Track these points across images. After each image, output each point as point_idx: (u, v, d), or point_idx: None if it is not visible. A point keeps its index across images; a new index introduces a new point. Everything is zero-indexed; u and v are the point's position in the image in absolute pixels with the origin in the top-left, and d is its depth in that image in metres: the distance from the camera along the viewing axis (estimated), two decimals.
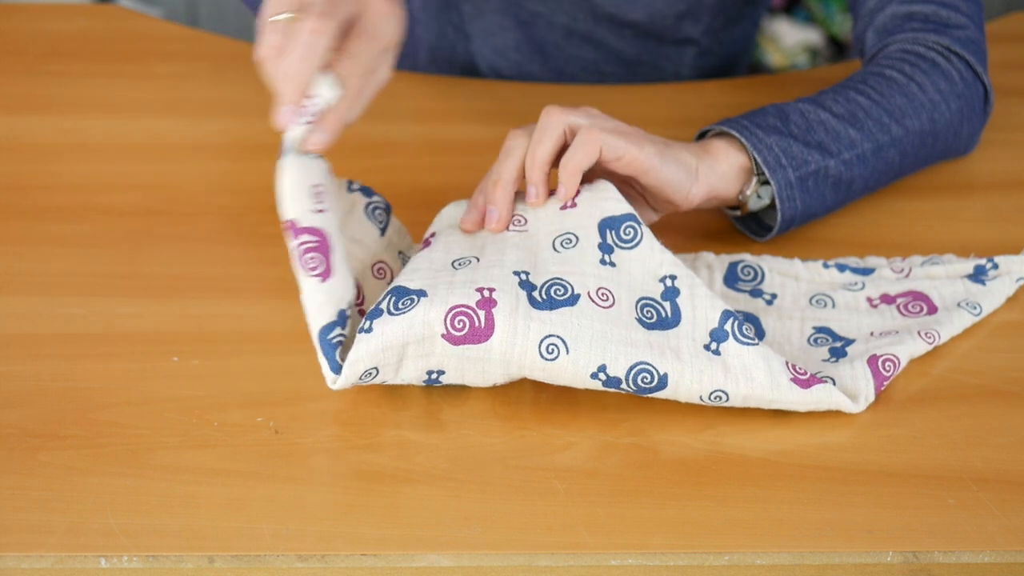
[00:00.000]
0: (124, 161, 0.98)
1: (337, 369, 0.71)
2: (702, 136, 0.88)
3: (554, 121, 0.78)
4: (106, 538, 0.65)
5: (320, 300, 0.71)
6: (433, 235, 0.79)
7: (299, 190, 0.72)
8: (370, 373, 0.72)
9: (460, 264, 0.74)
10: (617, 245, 0.75)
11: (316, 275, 0.71)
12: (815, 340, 0.79)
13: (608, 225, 0.75)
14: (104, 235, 0.89)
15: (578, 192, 0.77)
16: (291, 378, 0.76)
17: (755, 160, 0.84)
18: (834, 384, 0.74)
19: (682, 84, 1.13)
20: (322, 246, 0.72)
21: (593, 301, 0.72)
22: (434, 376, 0.73)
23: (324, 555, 0.65)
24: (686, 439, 0.73)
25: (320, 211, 0.72)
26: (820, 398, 0.73)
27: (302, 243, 0.72)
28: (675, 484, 0.70)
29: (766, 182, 0.85)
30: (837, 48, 2.23)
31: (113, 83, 1.07)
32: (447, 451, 0.71)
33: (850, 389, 0.74)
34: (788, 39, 2.21)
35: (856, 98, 0.89)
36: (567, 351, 0.70)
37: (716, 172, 0.83)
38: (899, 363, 0.76)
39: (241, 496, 0.68)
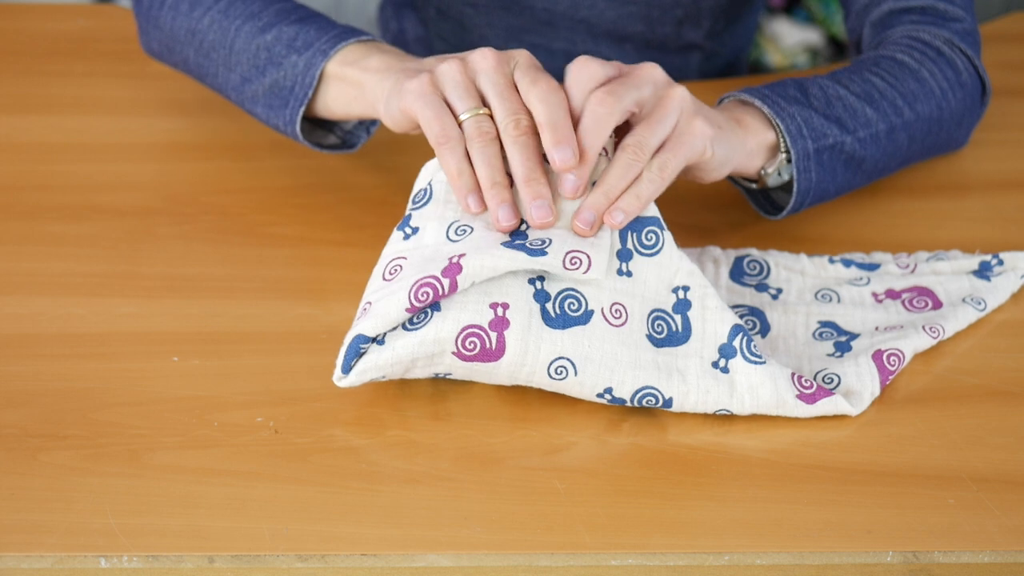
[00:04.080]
0: (124, 161, 0.98)
1: (348, 370, 0.72)
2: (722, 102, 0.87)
3: (653, 76, 0.75)
4: (106, 538, 0.65)
5: (384, 316, 0.70)
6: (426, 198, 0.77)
7: (513, 265, 0.71)
8: (377, 378, 0.72)
9: (461, 231, 0.74)
10: (637, 251, 0.74)
11: (411, 303, 0.70)
12: (820, 334, 0.80)
13: (630, 227, 0.74)
14: (104, 235, 0.89)
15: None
16: (291, 378, 0.76)
17: (782, 136, 0.83)
18: (839, 382, 0.75)
19: (684, 84, 1.13)
20: (440, 296, 0.70)
21: (606, 319, 0.72)
22: (441, 375, 0.73)
23: (324, 555, 0.65)
24: (686, 439, 0.73)
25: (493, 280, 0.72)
26: (826, 410, 0.73)
27: (434, 278, 0.70)
28: (675, 484, 0.70)
29: (790, 160, 0.84)
30: (837, 48, 2.22)
31: (113, 83, 1.07)
32: (448, 451, 0.71)
33: (855, 387, 0.75)
34: (788, 39, 2.21)
35: (871, 79, 0.89)
36: (575, 373, 0.71)
37: (745, 149, 0.82)
38: (903, 357, 0.76)
39: (241, 496, 0.68)
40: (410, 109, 0.75)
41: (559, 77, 1.15)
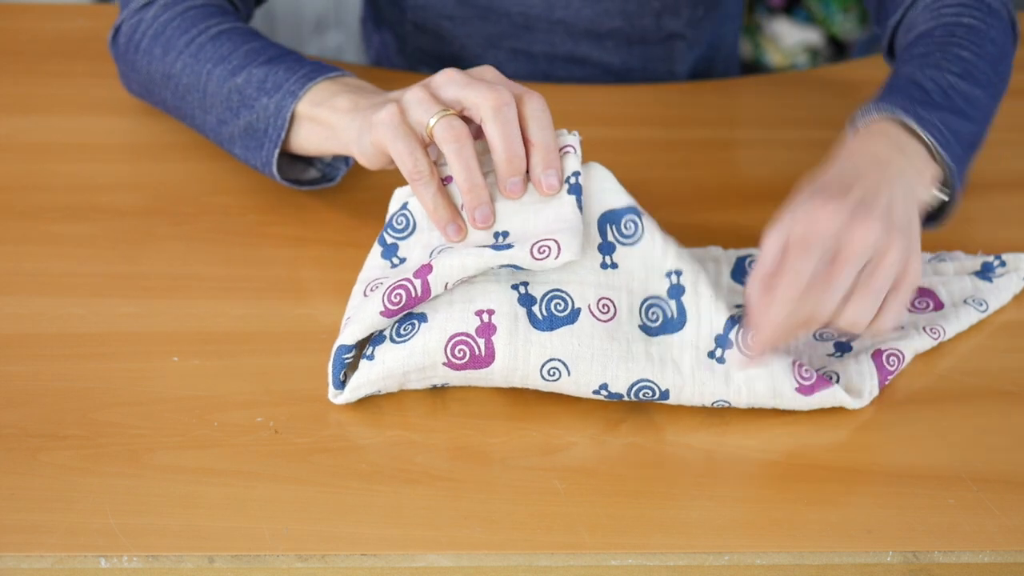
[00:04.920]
0: (124, 161, 0.98)
1: (339, 385, 0.73)
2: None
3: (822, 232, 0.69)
4: (106, 538, 0.65)
5: (361, 322, 0.71)
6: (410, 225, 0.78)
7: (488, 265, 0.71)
8: (372, 393, 0.73)
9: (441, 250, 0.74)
10: (618, 242, 0.74)
11: (385, 306, 0.71)
12: (821, 334, 0.79)
13: (608, 220, 0.75)
14: (104, 235, 0.89)
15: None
16: (291, 378, 0.76)
17: (944, 160, 0.79)
18: (838, 381, 0.74)
19: (677, 84, 1.13)
20: (414, 301, 0.71)
21: (593, 315, 0.72)
22: (438, 386, 0.74)
23: (324, 555, 0.65)
24: (686, 439, 0.73)
25: (468, 281, 0.72)
26: (823, 401, 0.73)
27: (405, 280, 0.71)
28: (675, 484, 0.70)
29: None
30: (837, 48, 2.23)
31: (113, 83, 1.06)
32: (447, 451, 0.71)
33: (855, 385, 0.75)
34: (788, 39, 2.21)
35: (961, 53, 0.86)
36: (568, 373, 0.71)
37: (919, 198, 0.76)
38: (903, 358, 0.76)
39: (241, 496, 0.68)
40: (381, 141, 0.76)
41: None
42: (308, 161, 0.92)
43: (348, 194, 0.93)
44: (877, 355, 0.76)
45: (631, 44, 1.13)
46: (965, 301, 0.82)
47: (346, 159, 0.90)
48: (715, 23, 1.19)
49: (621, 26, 1.11)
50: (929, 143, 0.79)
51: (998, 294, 0.83)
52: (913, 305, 0.82)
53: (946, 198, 0.81)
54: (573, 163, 0.74)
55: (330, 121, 0.82)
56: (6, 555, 0.65)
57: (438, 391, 0.75)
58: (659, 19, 1.12)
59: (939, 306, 0.82)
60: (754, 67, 2.20)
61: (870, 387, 0.75)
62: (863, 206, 0.70)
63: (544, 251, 0.71)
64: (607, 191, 0.75)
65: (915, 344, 0.78)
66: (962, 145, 0.81)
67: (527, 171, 0.74)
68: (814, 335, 0.80)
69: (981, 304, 0.82)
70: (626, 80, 1.16)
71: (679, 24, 1.14)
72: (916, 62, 0.86)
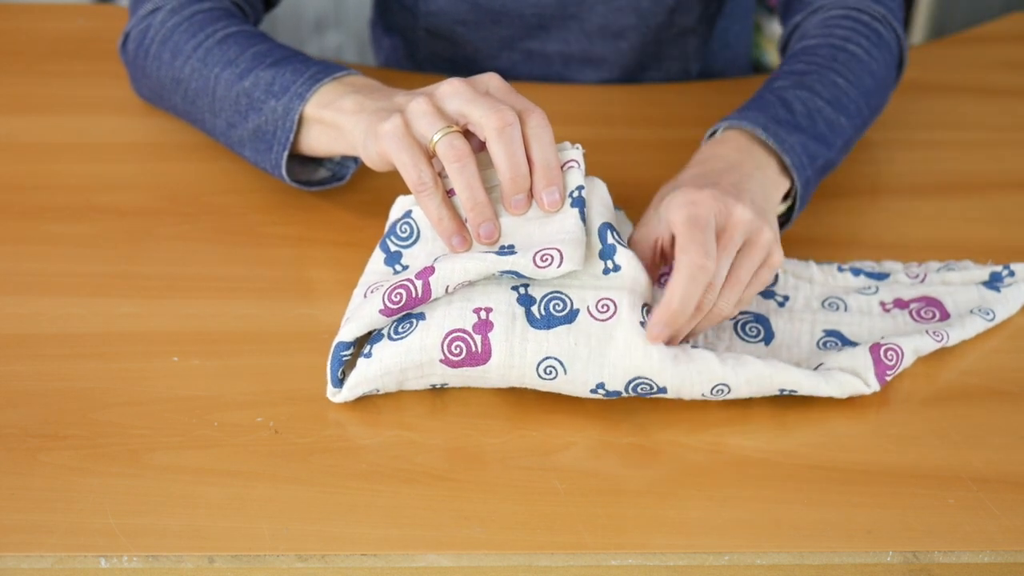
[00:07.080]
0: (124, 161, 0.98)
1: (338, 383, 0.73)
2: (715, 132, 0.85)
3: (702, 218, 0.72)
4: (106, 538, 0.65)
5: (360, 320, 0.71)
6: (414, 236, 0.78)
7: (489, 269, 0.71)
8: (371, 392, 0.73)
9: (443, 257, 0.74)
10: (619, 243, 0.74)
11: (385, 304, 0.71)
12: (824, 344, 0.79)
13: (609, 227, 0.75)
14: (104, 235, 0.89)
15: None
16: (291, 378, 0.76)
17: (791, 172, 0.83)
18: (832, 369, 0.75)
19: (683, 84, 1.13)
20: (414, 301, 0.71)
21: (591, 315, 0.72)
22: (437, 386, 0.74)
23: (324, 555, 0.65)
24: (686, 439, 0.73)
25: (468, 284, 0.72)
26: (817, 373, 0.73)
27: (407, 280, 0.71)
28: (675, 484, 0.70)
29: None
30: None
31: (113, 83, 1.07)
32: (447, 451, 0.71)
33: (847, 370, 0.74)
34: None
35: (836, 80, 0.90)
36: (564, 371, 0.71)
37: (775, 201, 0.81)
38: (902, 353, 0.76)
39: (241, 496, 0.68)
40: (386, 153, 0.76)
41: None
42: (318, 161, 0.92)
43: (349, 194, 0.93)
44: (875, 348, 0.75)
45: (645, 42, 1.14)
46: (971, 311, 0.81)
47: (355, 158, 0.91)
48: (729, 20, 1.19)
49: (635, 23, 1.12)
50: (785, 162, 0.82)
51: (1005, 304, 0.82)
52: (919, 315, 0.82)
53: (784, 211, 0.85)
54: (576, 177, 0.75)
55: (337, 123, 0.83)
56: (6, 555, 0.65)
57: (438, 391, 0.75)
58: (672, 15, 1.12)
59: (945, 316, 0.81)
60: (754, 67, 2.20)
61: (864, 375, 0.74)
62: (735, 189, 0.75)
63: (547, 259, 0.71)
64: (608, 206, 0.76)
65: (916, 343, 0.77)
66: (814, 168, 0.85)
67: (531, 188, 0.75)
68: (817, 343, 0.79)
69: (988, 313, 0.81)
70: (641, 80, 1.16)
71: (691, 19, 1.14)
72: (791, 79, 0.89)
